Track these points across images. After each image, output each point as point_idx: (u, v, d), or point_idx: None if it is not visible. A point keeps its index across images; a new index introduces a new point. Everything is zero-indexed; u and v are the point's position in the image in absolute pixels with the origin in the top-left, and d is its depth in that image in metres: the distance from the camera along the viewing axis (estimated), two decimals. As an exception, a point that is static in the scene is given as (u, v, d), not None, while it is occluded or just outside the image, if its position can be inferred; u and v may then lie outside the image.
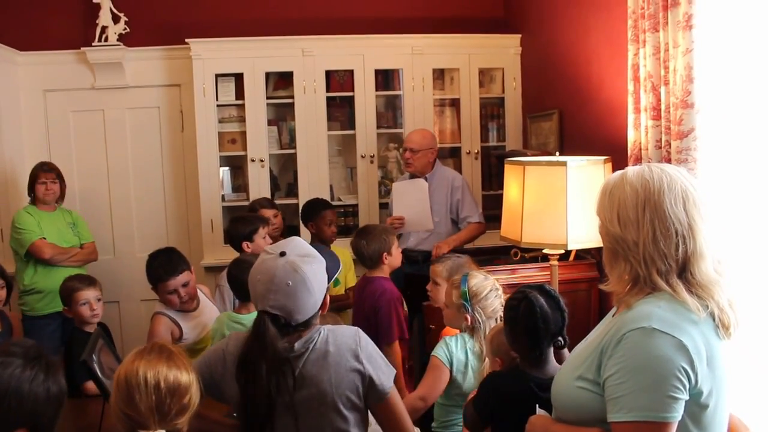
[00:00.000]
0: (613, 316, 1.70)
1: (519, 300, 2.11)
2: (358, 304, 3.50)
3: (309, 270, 1.85)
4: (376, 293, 3.35)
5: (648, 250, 1.56)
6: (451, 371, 2.60)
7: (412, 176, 4.26)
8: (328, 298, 1.97)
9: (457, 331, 2.73)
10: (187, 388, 1.68)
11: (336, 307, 3.80)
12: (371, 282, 3.43)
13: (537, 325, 2.07)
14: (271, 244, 3.71)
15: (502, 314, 2.60)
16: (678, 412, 1.46)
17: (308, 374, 1.85)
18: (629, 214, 1.59)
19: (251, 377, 1.79)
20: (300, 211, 4.20)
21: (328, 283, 1.97)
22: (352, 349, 1.90)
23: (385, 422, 1.97)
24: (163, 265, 3.06)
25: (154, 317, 3.09)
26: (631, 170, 1.66)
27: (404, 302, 3.41)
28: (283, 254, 1.85)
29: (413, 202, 4.14)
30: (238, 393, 1.84)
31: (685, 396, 1.46)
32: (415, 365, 3.67)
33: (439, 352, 2.63)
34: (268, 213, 4.02)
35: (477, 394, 2.20)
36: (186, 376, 1.68)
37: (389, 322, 3.27)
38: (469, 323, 2.63)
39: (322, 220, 3.97)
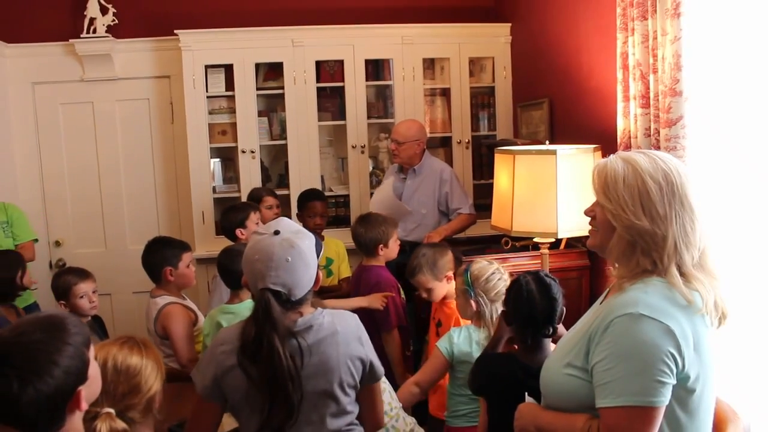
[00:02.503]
0: (601, 302, 1.71)
1: (512, 284, 2.17)
2: (356, 293, 3.51)
3: (304, 245, 1.89)
4: (371, 282, 3.38)
5: (678, 244, 1.56)
6: (452, 363, 2.62)
7: (400, 168, 4.29)
8: (320, 273, 1.99)
9: (468, 322, 2.73)
10: (137, 370, 1.75)
11: (332, 297, 3.81)
12: (367, 270, 3.45)
13: (521, 310, 2.10)
14: None
15: None
16: (665, 397, 1.48)
17: (316, 349, 1.88)
18: (657, 208, 1.57)
19: (268, 355, 1.80)
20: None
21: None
22: (356, 334, 1.97)
23: (366, 403, 2.04)
24: (179, 241, 3.25)
25: (170, 309, 3.03)
26: (640, 159, 1.63)
27: (401, 289, 3.43)
28: (277, 233, 1.89)
29: (382, 200, 4.17)
30: (241, 382, 1.85)
31: (672, 380, 1.48)
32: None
33: (441, 343, 2.65)
34: (272, 201, 4.12)
35: (471, 369, 2.26)
36: (137, 360, 1.76)
37: (386, 310, 3.30)
38: (475, 308, 2.63)
39: (306, 211, 4.02)
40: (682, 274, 1.56)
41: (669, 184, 1.58)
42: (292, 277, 1.85)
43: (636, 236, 1.59)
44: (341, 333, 1.93)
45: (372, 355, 1.99)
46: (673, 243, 1.56)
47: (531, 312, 2.08)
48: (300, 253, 1.86)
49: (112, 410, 1.66)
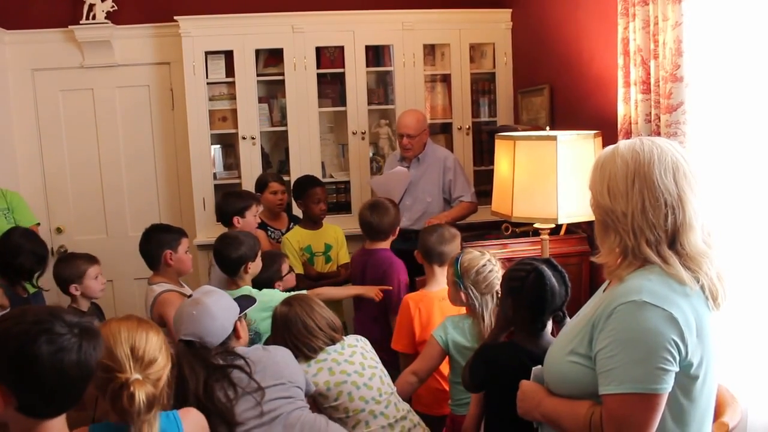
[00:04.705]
0: (604, 290, 1.71)
1: (527, 272, 2.05)
2: (360, 276, 3.53)
3: (210, 300, 2.22)
4: (384, 265, 3.42)
5: (636, 221, 1.57)
6: (448, 351, 2.62)
7: (402, 159, 4.28)
8: (240, 326, 2.32)
9: (464, 310, 2.71)
10: (159, 345, 1.71)
11: (330, 284, 3.82)
12: (374, 254, 3.47)
13: (544, 299, 2.03)
14: (260, 222, 3.75)
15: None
16: (668, 384, 1.48)
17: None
18: (619, 186, 1.60)
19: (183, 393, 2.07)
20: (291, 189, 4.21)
21: (241, 313, 2.34)
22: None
23: None
24: (176, 227, 3.25)
25: (166, 297, 2.99)
26: (623, 144, 1.67)
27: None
28: (189, 296, 2.29)
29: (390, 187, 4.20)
30: None
31: (675, 368, 1.48)
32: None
33: (437, 331, 2.64)
34: (277, 187, 4.11)
35: (471, 363, 2.20)
36: (155, 337, 1.73)
37: (399, 293, 3.34)
38: (464, 299, 2.61)
39: (309, 198, 3.98)
40: (681, 257, 1.56)
41: (635, 162, 1.59)
42: (199, 327, 2.17)
43: (604, 215, 1.63)
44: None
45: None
46: (632, 218, 1.57)
47: (553, 301, 2.04)
48: (205, 307, 2.19)
49: (140, 376, 1.62)
